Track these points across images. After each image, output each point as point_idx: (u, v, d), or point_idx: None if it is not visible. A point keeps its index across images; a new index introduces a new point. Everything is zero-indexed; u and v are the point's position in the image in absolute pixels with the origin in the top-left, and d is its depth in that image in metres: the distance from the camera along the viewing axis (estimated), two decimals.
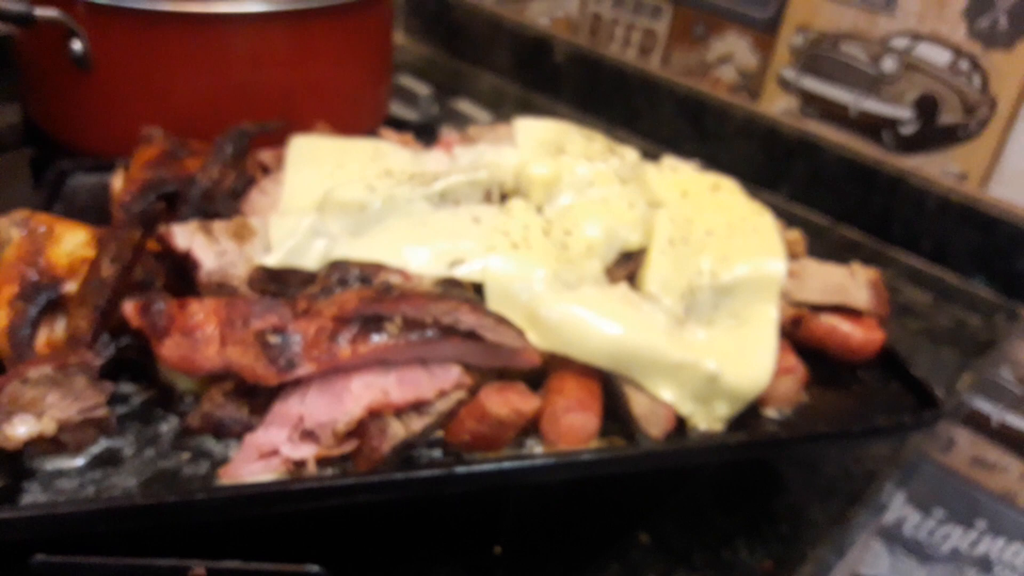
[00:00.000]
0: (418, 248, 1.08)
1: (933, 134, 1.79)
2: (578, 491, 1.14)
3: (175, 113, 1.49)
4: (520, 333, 1.01)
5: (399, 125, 1.73)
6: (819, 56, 1.90)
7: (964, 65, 1.71)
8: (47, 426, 0.90)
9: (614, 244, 1.20)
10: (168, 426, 1.00)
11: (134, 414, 1.01)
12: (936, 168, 1.81)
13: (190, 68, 1.48)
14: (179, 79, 1.49)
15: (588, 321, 1.04)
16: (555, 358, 1.06)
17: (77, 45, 1.43)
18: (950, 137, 1.77)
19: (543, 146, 1.35)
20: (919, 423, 1.16)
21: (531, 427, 1.04)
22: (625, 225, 1.21)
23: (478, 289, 1.06)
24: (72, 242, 1.08)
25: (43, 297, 1.03)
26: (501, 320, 0.99)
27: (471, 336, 0.98)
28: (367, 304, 0.97)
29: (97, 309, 0.99)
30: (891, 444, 1.36)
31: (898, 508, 1.90)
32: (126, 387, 1.04)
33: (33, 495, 0.90)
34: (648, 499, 1.19)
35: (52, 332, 1.04)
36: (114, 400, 1.00)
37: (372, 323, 0.97)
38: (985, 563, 1.85)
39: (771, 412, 1.15)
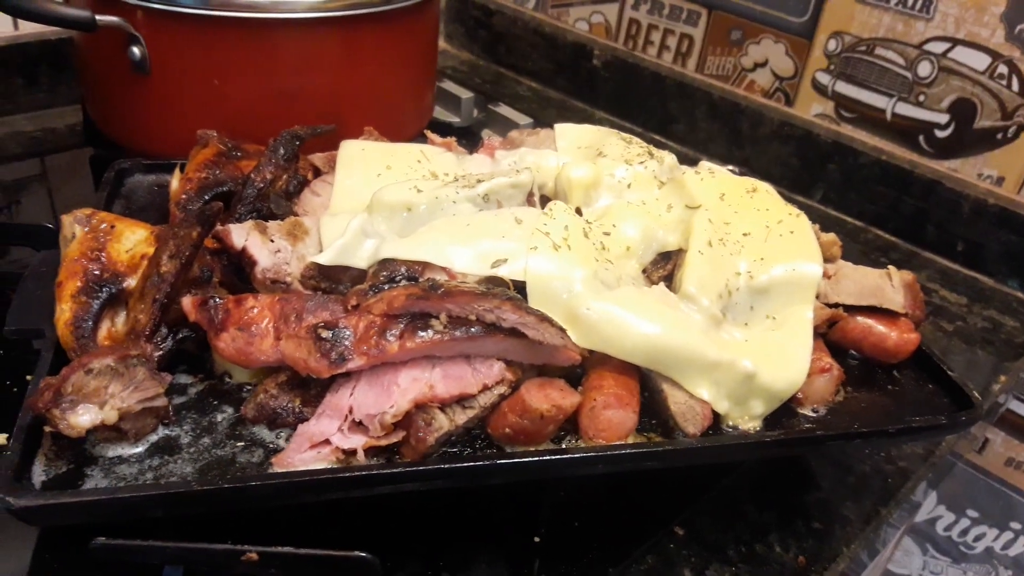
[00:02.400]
0: (462, 248, 1.11)
1: (969, 138, 1.79)
2: (616, 485, 1.16)
3: (229, 116, 1.54)
4: (561, 331, 1.03)
5: (442, 129, 1.76)
6: (854, 60, 1.91)
7: (1002, 69, 1.71)
8: (109, 415, 0.94)
9: (652, 245, 1.22)
10: (224, 416, 1.04)
11: (191, 404, 1.05)
12: (972, 172, 1.81)
13: (244, 72, 1.53)
14: (233, 83, 1.54)
15: (627, 320, 1.07)
16: (594, 356, 1.09)
17: (136, 50, 1.48)
18: (987, 141, 1.77)
19: (583, 150, 1.38)
20: (955, 424, 1.17)
21: (571, 425, 1.07)
22: (663, 227, 1.24)
23: (520, 288, 1.09)
24: (132, 239, 1.13)
25: (105, 292, 1.07)
26: (543, 318, 1.02)
27: (514, 333, 1.01)
28: (414, 301, 1.00)
29: (156, 303, 1.03)
30: (925, 444, 1.37)
31: (931, 508, 1.90)
32: (183, 378, 1.08)
33: (95, 480, 0.94)
34: (684, 494, 1.21)
35: (113, 325, 1.08)
36: (172, 391, 1.04)
37: (419, 319, 1.00)
38: (1020, 565, 1.84)
39: (807, 411, 1.17)
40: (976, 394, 1.18)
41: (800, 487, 1.27)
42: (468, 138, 1.51)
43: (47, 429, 0.94)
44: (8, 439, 0.94)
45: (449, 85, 2.20)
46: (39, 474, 0.93)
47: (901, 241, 1.94)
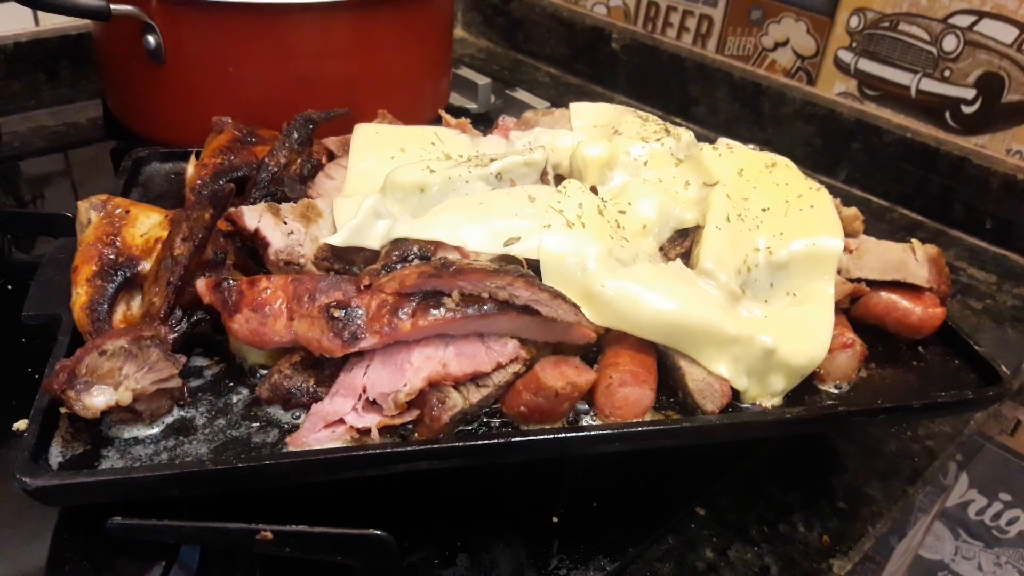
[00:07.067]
0: (475, 226, 1.10)
1: (997, 113, 1.75)
2: (634, 464, 1.15)
3: (244, 102, 1.54)
4: (575, 307, 1.02)
5: (459, 115, 1.75)
6: (877, 37, 1.87)
7: None
8: (123, 396, 0.94)
9: (669, 223, 1.21)
10: (239, 397, 1.04)
11: (206, 386, 1.05)
12: (1000, 148, 1.77)
13: (258, 58, 1.53)
14: (248, 69, 1.54)
15: (642, 296, 1.05)
16: (610, 333, 1.07)
17: (151, 39, 1.49)
18: (1015, 115, 1.74)
19: (599, 129, 1.37)
20: (983, 399, 1.14)
21: (587, 403, 1.06)
22: (680, 204, 1.22)
23: (534, 267, 1.07)
24: (147, 223, 1.13)
25: (120, 275, 1.08)
26: (556, 294, 1.00)
27: (527, 310, 1.00)
28: (425, 279, 0.99)
29: (170, 286, 1.03)
30: (952, 423, 1.35)
31: (962, 491, 1.86)
32: (199, 361, 1.08)
33: (110, 461, 0.94)
34: (705, 474, 1.19)
35: (129, 309, 1.09)
36: (187, 373, 1.04)
37: (431, 298, 0.99)
38: None
39: (829, 388, 1.15)
40: (1004, 368, 1.15)
41: (824, 467, 1.26)
42: (485, 124, 1.50)
43: (63, 411, 0.94)
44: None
45: (466, 72, 2.18)
46: (56, 455, 0.94)
47: (928, 220, 1.90)
